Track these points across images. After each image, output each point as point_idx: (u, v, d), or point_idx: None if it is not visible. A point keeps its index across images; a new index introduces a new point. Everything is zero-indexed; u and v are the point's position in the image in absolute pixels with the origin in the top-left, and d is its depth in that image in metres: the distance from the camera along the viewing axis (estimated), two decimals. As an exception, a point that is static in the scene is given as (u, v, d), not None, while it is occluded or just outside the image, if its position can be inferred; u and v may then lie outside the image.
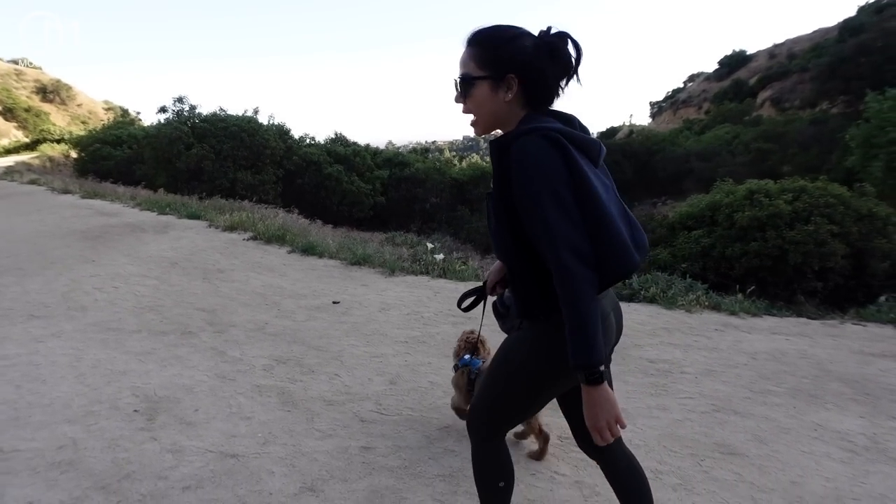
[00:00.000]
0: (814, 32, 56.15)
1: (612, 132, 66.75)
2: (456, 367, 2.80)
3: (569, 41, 1.47)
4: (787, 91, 47.18)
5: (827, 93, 35.69)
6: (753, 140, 32.91)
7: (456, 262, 6.88)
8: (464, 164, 37.56)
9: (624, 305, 5.36)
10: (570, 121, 1.54)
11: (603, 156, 1.53)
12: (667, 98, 75.96)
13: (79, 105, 53.62)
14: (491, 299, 1.93)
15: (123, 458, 2.64)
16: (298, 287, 5.68)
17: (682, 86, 75.80)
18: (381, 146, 30.55)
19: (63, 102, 51.94)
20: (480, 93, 1.49)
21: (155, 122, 20.89)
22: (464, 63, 1.51)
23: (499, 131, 1.55)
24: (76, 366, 3.71)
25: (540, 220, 1.37)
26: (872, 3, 41.80)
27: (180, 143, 17.53)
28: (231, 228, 8.28)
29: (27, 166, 21.90)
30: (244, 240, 7.73)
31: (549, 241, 1.37)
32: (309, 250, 7.12)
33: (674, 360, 3.97)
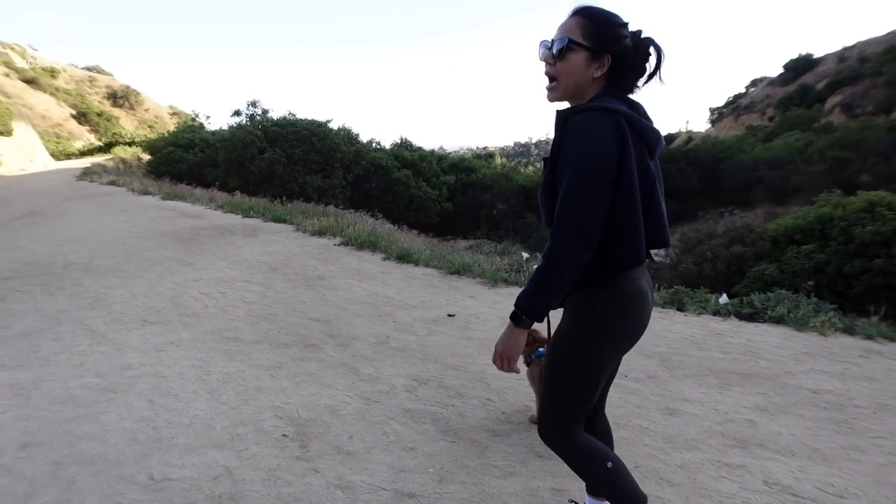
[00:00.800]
0: (887, 34, 52.77)
1: (669, 139, 64.88)
2: (528, 360, 2.77)
3: (653, 46, 1.56)
4: (858, 96, 44.66)
5: (910, 98, 33.67)
6: (829, 148, 31.06)
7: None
8: (530, 169, 37.04)
9: (749, 325, 4.95)
10: (635, 107, 1.60)
11: (661, 148, 1.60)
12: (727, 104, 73.33)
13: (146, 110, 55.55)
14: None
15: (288, 493, 2.35)
16: (405, 297, 5.39)
17: (743, 91, 73.10)
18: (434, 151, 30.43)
19: (132, 107, 53.92)
20: (575, 59, 1.55)
21: (225, 125, 21.28)
22: (568, 29, 1.56)
23: (566, 103, 1.61)
24: (206, 379, 3.48)
25: (565, 188, 1.43)
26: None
27: (253, 147, 17.66)
28: (320, 233, 8.10)
29: (103, 168, 22.53)
30: (335, 245, 7.52)
31: (560, 210, 1.43)
32: (404, 258, 6.85)
33: (837, 392, 3.57)
